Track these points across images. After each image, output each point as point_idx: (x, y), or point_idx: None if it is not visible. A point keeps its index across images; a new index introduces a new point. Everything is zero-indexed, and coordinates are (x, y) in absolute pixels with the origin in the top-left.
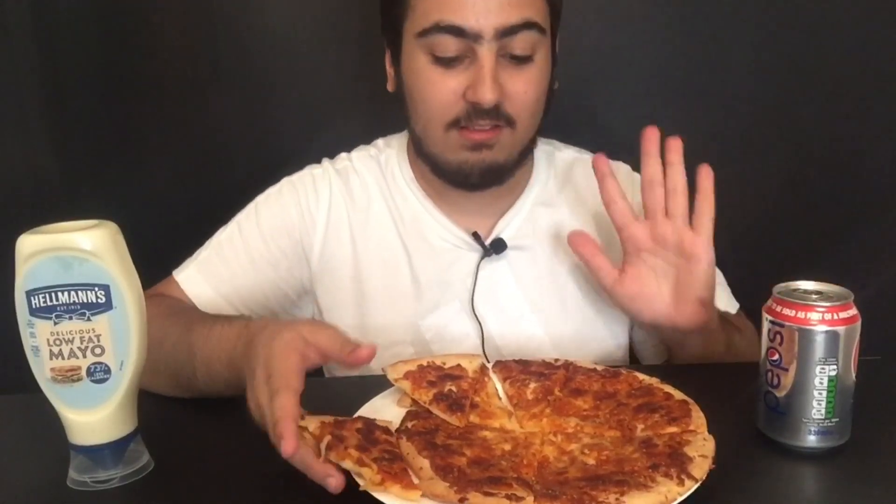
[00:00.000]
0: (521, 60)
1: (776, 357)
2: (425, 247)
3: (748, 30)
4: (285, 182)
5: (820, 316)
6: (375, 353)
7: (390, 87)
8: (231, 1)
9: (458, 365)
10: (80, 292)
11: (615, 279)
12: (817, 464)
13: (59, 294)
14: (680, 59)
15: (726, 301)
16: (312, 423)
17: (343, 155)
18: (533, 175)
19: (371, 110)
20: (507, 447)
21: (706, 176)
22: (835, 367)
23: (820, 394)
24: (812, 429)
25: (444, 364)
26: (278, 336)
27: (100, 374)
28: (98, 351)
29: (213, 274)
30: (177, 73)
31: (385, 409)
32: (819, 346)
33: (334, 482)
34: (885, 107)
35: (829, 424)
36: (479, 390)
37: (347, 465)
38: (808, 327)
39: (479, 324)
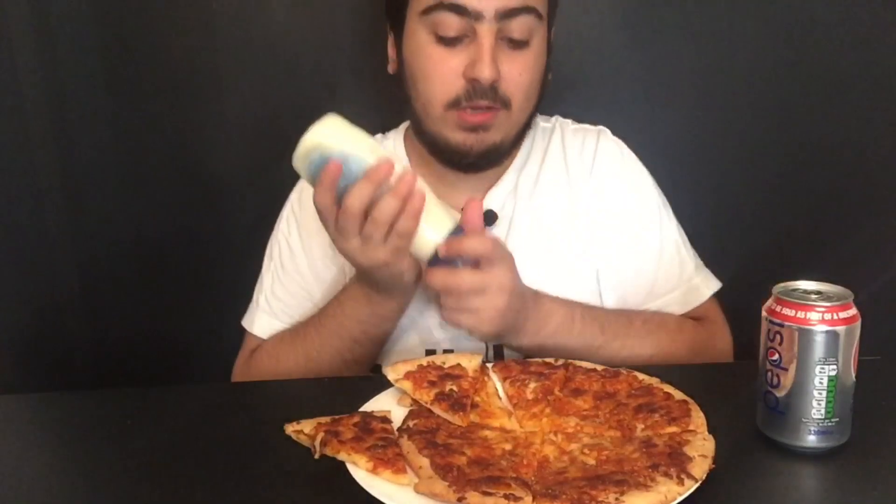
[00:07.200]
0: (519, 45)
1: (776, 357)
2: None
3: (748, 29)
4: (289, 208)
5: (820, 316)
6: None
7: (391, 68)
8: (231, 1)
9: (458, 364)
10: None
11: None
12: (817, 464)
13: None
14: (680, 58)
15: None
16: (308, 425)
17: None
18: (518, 152)
19: (373, 110)
20: (508, 447)
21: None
22: (834, 367)
23: (820, 394)
24: (812, 429)
25: (444, 364)
26: None
27: None
28: None
29: (283, 310)
30: (177, 73)
31: (385, 409)
32: (819, 346)
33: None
34: (886, 107)
35: (829, 424)
36: (480, 390)
37: (342, 456)
38: (807, 327)
39: None
